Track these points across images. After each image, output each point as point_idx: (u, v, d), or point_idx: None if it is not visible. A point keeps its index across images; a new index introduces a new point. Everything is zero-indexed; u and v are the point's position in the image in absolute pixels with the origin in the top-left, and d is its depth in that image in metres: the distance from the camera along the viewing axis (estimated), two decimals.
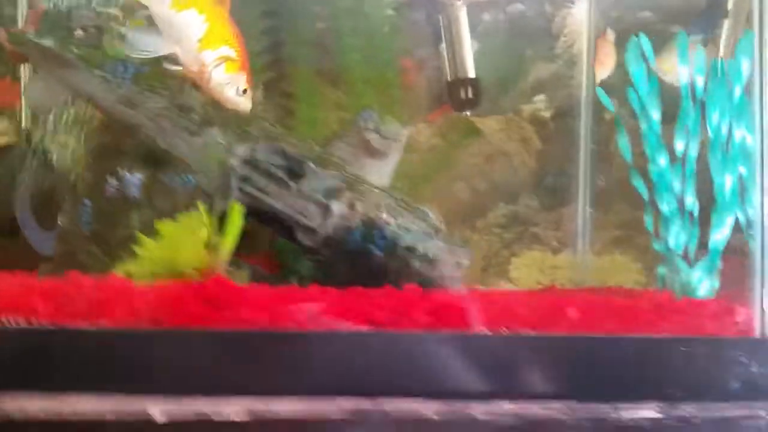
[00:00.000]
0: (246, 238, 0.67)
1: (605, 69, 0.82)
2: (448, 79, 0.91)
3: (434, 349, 0.54)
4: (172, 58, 0.60)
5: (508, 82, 0.97)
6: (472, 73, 0.91)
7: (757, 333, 0.58)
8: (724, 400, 0.55)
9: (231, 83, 0.61)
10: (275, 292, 0.57)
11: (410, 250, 0.70)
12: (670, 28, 0.88)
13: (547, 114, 0.97)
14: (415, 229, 0.71)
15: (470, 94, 0.91)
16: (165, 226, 0.58)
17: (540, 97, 0.97)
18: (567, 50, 0.93)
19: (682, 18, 0.89)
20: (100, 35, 0.71)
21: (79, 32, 0.70)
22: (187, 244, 0.57)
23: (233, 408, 0.50)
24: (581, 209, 0.90)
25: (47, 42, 0.68)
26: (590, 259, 0.90)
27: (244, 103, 0.62)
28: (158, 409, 0.49)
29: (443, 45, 0.92)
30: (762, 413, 0.54)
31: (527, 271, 0.92)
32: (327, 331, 0.54)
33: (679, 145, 0.62)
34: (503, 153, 0.96)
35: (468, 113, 0.93)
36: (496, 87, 0.96)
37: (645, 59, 0.64)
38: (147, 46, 0.60)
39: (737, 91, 0.60)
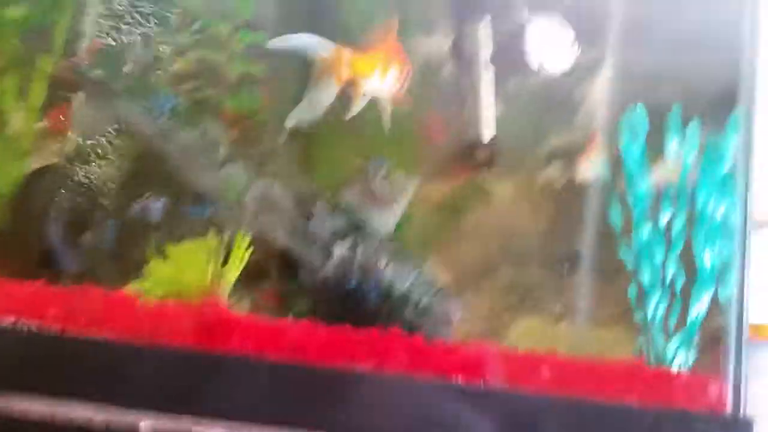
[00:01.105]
0: (255, 270, 0.72)
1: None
2: (468, 137, 0.96)
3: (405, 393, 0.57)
4: None
5: (526, 147, 1.00)
6: (491, 134, 0.96)
7: (728, 409, 0.59)
8: None
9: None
10: (265, 323, 0.61)
11: (403, 298, 0.73)
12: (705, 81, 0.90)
13: (561, 182, 0.99)
14: (410, 279, 0.74)
15: (487, 156, 0.95)
16: (173, 249, 0.63)
17: (556, 165, 1.00)
18: (586, 122, 0.97)
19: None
20: (148, 70, 0.79)
21: (128, 66, 0.78)
22: (192, 267, 0.62)
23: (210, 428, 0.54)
24: (586, 280, 0.92)
25: (97, 73, 0.76)
26: (589, 329, 0.91)
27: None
28: (145, 423, 0.53)
29: (466, 105, 0.97)
30: None
31: (524, 339, 0.93)
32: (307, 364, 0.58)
33: (664, 218, 0.65)
34: (515, 217, 0.99)
35: (484, 174, 0.97)
36: (514, 151, 1.00)
37: (637, 132, 0.67)
38: None
39: (724, 168, 0.63)
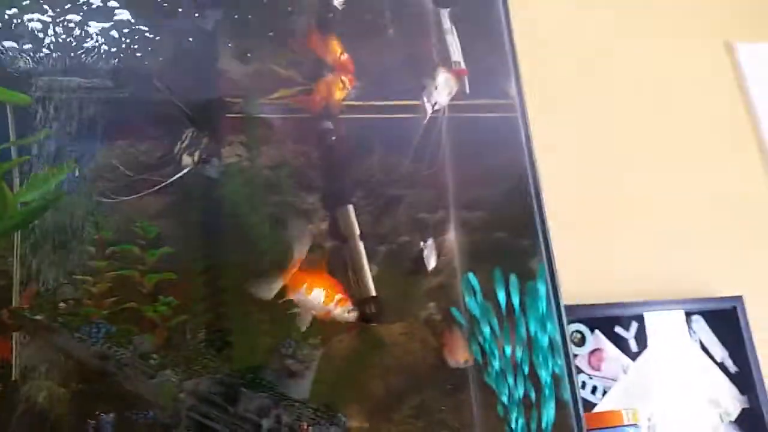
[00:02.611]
0: None
1: (457, 356, 1.06)
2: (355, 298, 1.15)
3: None
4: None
5: (404, 295, 1.21)
6: (373, 292, 1.16)
7: None
8: None
9: (342, 311, 0.99)
10: None
11: None
12: (519, 242, 1.16)
13: (438, 317, 1.20)
14: None
15: (373, 309, 1.15)
16: None
17: (431, 304, 1.21)
18: (447, 266, 1.19)
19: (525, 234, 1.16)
20: (78, 304, 0.94)
21: (62, 305, 0.93)
22: None
23: None
24: (473, 394, 1.11)
25: (39, 316, 0.90)
26: None
27: (351, 316, 1.00)
28: None
29: (348, 271, 1.17)
30: None
31: None
32: None
33: (509, 350, 0.86)
34: (407, 353, 1.18)
35: (374, 325, 1.17)
36: (395, 300, 1.20)
37: (473, 291, 0.90)
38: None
39: (543, 306, 0.86)
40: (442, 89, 1.19)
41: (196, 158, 1.01)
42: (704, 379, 1.56)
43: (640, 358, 1.53)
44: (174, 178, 0.99)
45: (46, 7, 1.11)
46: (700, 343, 1.60)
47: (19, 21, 1.11)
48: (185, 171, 1.00)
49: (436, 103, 1.20)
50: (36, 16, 1.11)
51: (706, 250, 1.65)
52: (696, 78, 1.80)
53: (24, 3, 1.09)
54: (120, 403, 0.88)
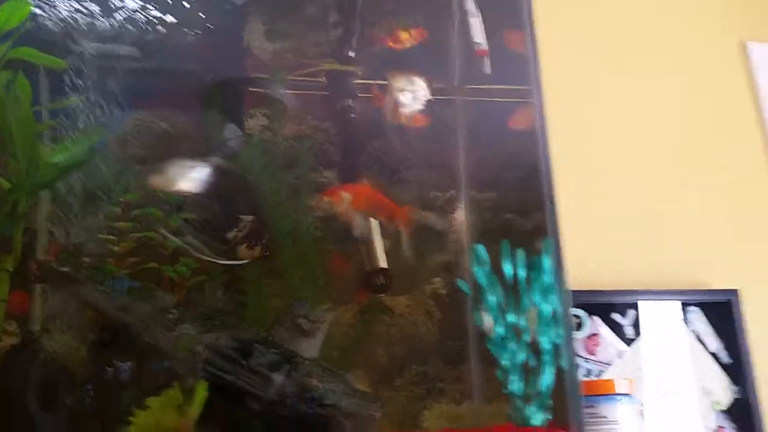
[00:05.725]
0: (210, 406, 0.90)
1: None
2: (366, 269, 1.20)
3: None
4: None
5: (412, 269, 1.25)
6: (384, 264, 1.20)
7: None
8: None
9: None
10: None
11: (334, 406, 0.94)
12: (526, 224, 1.20)
13: (443, 291, 1.25)
14: (337, 390, 0.95)
15: (383, 281, 1.19)
16: (151, 401, 0.82)
17: (437, 279, 1.26)
18: (454, 243, 1.24)
19: (533, 216, 1.21)
20: (102, 261, 0.99)
21: (86, 260, 0.97)
22: (166, 413, 0.80)
23: None
24: (474, 367, 1.15)
25: (65, 268, 0.95)
26: (484, 407, 1.13)
27: None
28: None
29: (361, 244, 1.22)
30: None
31: (436, 421, 1.15)
32: None
33: (510, 318, 0.91)
34: (412, 324, 1.23)
35: (382, 295, 1.21)
36: (404, 272, 1.25)
37: (482, 262, 0.94)
38: None
39: (548, 279, 0.90)
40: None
41: (256, 254, 1.04)
42: (697, 368, 1.59)
43: (634, 345, 1.57)
44: (230, 263, 1.03)
45: None
46: (695, 333, 1.64)
47: None
48: (243, 263, 1.03)
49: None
50: None
51: (705, 243, 1.69)
52: (707, 75, 1.83)
53: None
54: (138, 354, 0.92)
